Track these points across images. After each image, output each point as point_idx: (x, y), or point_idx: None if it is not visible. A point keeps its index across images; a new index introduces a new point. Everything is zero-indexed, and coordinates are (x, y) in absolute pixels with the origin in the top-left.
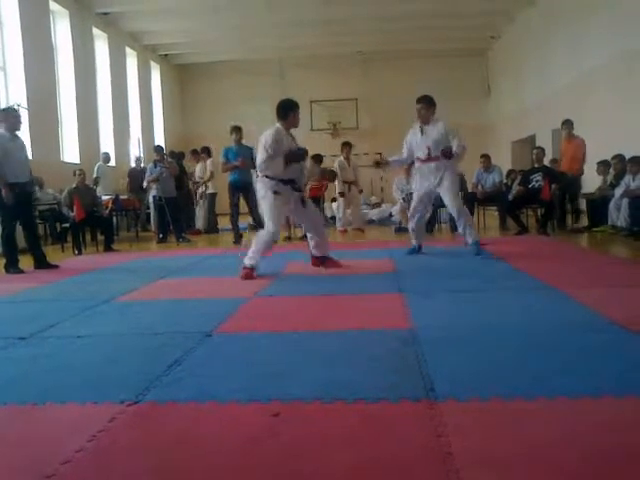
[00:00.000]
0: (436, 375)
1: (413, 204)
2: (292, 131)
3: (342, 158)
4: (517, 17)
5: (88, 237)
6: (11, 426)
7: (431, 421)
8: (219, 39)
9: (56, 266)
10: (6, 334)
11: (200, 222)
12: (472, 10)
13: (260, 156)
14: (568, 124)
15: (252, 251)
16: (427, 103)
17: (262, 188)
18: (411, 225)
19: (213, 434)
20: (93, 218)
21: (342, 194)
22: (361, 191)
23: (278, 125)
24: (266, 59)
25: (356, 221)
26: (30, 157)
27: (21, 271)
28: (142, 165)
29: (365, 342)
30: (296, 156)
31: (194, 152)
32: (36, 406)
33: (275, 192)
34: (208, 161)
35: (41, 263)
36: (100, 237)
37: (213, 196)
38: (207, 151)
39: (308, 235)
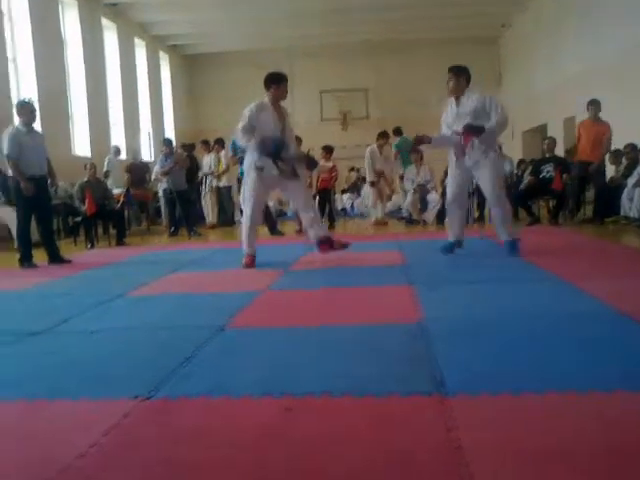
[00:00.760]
0: (446, 369)
1: (450, 190)
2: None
3: (375, 146)
4: (528, 5)
5: (100, 231)
6: (26, 421)
7: (441, 415)
8: (228, 29)
9: (69, 261)
10: (19, 329)
11: (210, 215)
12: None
13: (238, 126)
14: (595, 105)
15: (243, 240)
16: (456, 72)
17: (246, 162)
18: (449, 217)
19: (226, 428)
20: (105, 212)
21: (372, 184)
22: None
23: (264, 99)
24: (275, 49)
25: (380, 213)
26: None
27: (35, 266)
28: (142, 159)
29: (375, 336)
30: (266, 147)
31: (204, 143)
32: (50, 401)
33: (257, 167)
34: (222, 153)
35: (55, 258)
36: (112, 231)
37: (228, 189)
38: (221, 143)
39: (303, 222)
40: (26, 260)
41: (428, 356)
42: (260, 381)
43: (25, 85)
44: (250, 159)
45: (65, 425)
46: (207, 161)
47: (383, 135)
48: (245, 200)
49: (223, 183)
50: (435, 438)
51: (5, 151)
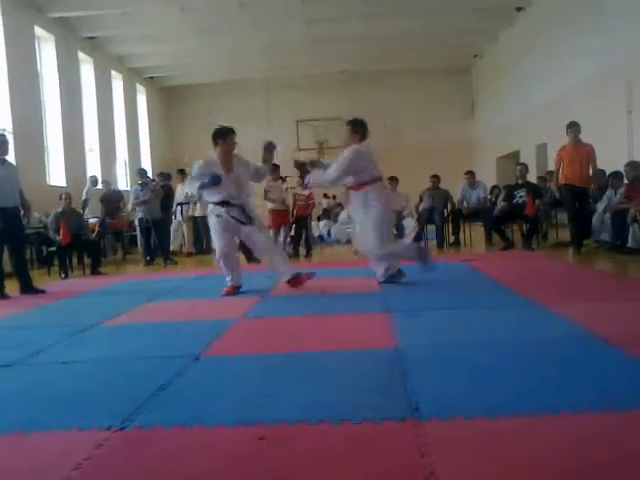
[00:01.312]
0: (421, 394)
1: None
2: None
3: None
4: (499, 36)
5: (75, 260)
6: None
7: (415, 441)
8: (204, 61)
9: (43, 291)
10: None
11: (186, 244)
12: (455, 29)
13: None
14: (575, 127)
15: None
16: (353, 125)
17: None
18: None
19: (200, 459)
20: (80, 242)
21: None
22: None
23: (212, 154)
24: (252, 80)
25: None
26: None
27: (7, 297)
28: (116, 188)
29: (351, 363)
30: (204, 185)
31: (180, 172)
32: (22, 435)
33: (217, 215)
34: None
35: (27, 288)
36: (87, 260)
37: (203, 218)
38: (182, 173)
39: (269, 265)
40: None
41: (403, 382)
42: (234, 410)
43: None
44: (208, 208)
45: (38, 459)
46: (180, 190)
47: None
48: (215, 240)
49: (198, 212)
50: (409, 463)
51: None
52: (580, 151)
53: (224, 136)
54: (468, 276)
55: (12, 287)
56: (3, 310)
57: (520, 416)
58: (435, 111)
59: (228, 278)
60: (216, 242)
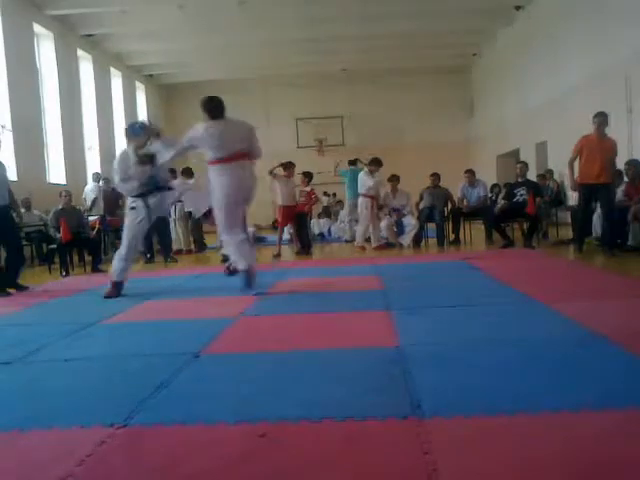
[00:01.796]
0: (422, 392)
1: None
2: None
3: (366, 169)
4: (498, 35)
5: (76, 258)
6: (0, 453)
7: (417, 438)
8: (203, 59)
9: (26, 287)
10: None
11: (183, 242)
12: (454, 29)
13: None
14: (601, 118)
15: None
16: (200, 105)
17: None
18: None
19: (201, 456)
20: (80, 239)
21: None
22: (380, 207)
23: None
24: (250, 78)
25: (376, 238)
26: (16, 178)
27: (8, 294)
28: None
29: (352, 361)
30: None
31: (185, 171)
32: (23, 432)
33: (132, 208)
34: (191, 181)
35: (9, 283)
36: (87, 258)
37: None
38: (189, 172)
39: None
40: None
41: (405, 380)
42: (235, 408)
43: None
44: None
45: (41, 455)
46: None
47: (375, 162)
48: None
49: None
50: (411, 461)
51: None
52: (603, 145)
53: (129, 135)
54: (468, 274)
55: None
56: (1, 308)
57: (521, 414)
58: (435, 110)
59: (115, 278)
60: (125, 241)
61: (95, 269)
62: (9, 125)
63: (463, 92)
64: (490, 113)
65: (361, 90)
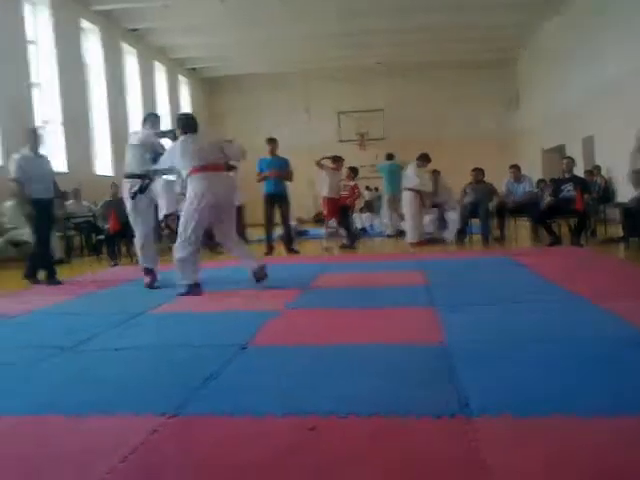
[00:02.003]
0: (470, 390)
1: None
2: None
3: (416, 164)
4: (544, 27)
5: (124, 249)
6: (56, 437)
7: (466, 436)
8: (245, 53)
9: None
10: (46, 345)
11: None
12: (498, 21)
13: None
14: None
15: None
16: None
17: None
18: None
19: (250, 448)
20: (128, 230)
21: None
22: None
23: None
24: (291, 72)
25: (418, 234)
26: (66, 170)
27: (59, 282)
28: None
29: (398, 356)
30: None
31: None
32: (80, 417)
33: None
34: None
35: (30, 275)
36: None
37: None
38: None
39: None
40: (31, 276)
41: (451, 377)
42: (283, 400)
43: (49, 109)
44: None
45: (96, 441)
46: None
47: (422, 157)
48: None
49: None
50: (460, 459)
51: (12, 175)
52: None
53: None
54: (514, 271)
55: (64, 273)
56: (53, 297)
57: (571, 415)
58: (478, 103)
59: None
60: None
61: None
62: (60, 119)
63: (508, 85)
64: (535, 107)
65: (403, 83)
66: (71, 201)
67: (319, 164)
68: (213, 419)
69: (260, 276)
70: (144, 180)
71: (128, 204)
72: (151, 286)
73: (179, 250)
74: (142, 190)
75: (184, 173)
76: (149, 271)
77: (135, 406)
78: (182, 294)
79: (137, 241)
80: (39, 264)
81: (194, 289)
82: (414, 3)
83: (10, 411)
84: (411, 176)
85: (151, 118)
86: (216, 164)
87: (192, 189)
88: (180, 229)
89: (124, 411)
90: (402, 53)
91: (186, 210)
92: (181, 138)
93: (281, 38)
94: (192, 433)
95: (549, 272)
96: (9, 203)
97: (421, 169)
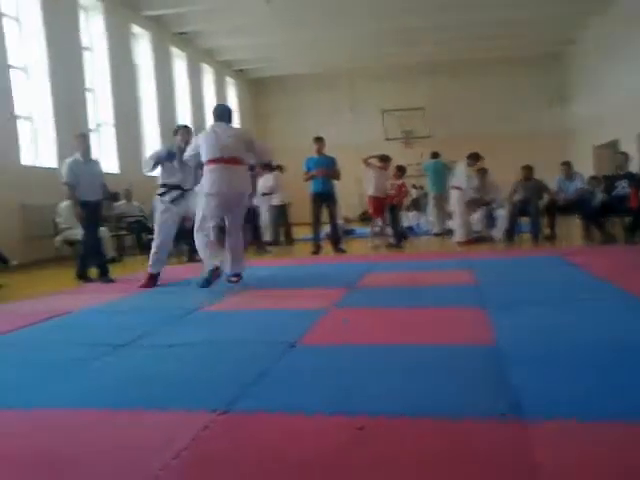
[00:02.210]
0: (522, 393)
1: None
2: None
3: (466, 163)
4: (595, 20)
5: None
6: (111, 430)
7: (517, 440)
8: (291, 53)
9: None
10: (103, 341)
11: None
12: (547, 15)
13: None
14: None
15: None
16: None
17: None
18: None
19: (300, 447)
20: (178, 230)
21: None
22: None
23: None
24: (336, 71)
25: (466, 232)
26: (117, 171)
27: (111, 280)
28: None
29: (447, 357)
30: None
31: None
32: (133, 413)
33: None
34: (270, 174)
35: (81, 275)
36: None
37: (275, 208)
38: (268, 165)
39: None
40: (82, 276)
41: (503, 379)
42: (332, 399)
43: (102, 112)
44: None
45: (149, 436)
46: (262, 182)
47: (473, 156)
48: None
49: (273, 202)
50: (511, 463)
51: (63, 179)
52: None
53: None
54: (566, 271)
55: (116, 271)
56: (106, 295)
57: (625, 420)
58: (526, 99)
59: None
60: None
61: (191, 258)
62: (112, 121)
63: (557, 80)
64: (586, 102)
65: (448, 81)
66: (123, 201)
67: (366, 162)
68: (263, 416)
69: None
70: (175, 191)
71: (156, 212)
72: (146, 287)
73: (196, 239)
74: (173, 201)
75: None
76: (153, 276)
77: (186, 402)
78: (201, 285)
79: (153, 247)
80: (89, 263)
81: (213, 274)
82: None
83: (64, 405)
84: (460, 175)
85: (182, 130)
86: (234, 157)
87: (205, 180)
88: (196, 219)
89: (176, 407)
90: (448, 50)
91: (199, 201)
92: (209, 125)
93: (326, 38)
94: (243, 430)
95: (602, 271)
96: (64, 204)
97: (470, 168)
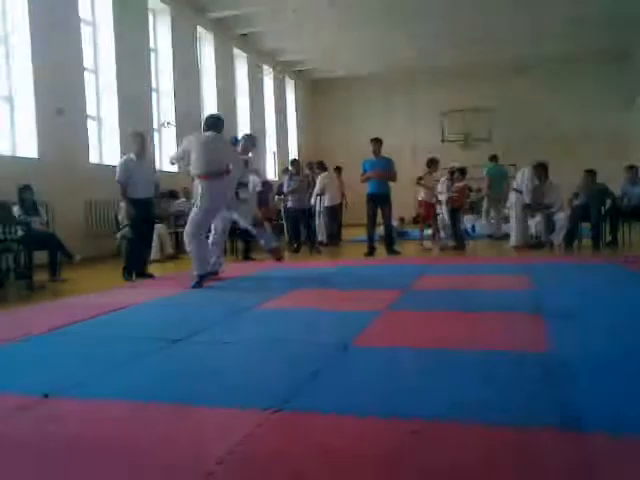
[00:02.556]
0: (582, 405)
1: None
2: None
3: (532, 172)
4: None
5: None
6: (168, 425)
7: (576, 453)
8: (351, 54)
9: (152, 276)
10: (161, 336)
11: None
12: (616, 10)
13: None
14: None
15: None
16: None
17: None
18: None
19: (353, 448)
20: (232, 228)
21: (528, 206)
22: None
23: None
24: (396, 72)
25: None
26: (177, 170)
27: (151, 276)
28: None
29: (502, 363)
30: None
31: (319, 164)
32: (189, 407)
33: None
34: (320, 175)
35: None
36: (239, 245)
37: (326, 209)
38: (321, 165)
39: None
40: (128, 273)
41: (559, 388)
42: (386, 402)
43: (165, 111)
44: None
45: (204, 431)
46: (319, 181)
47: (540, 166)
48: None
49: (325, 203)
50: (565, 474)
51: (116, 177)
52: None
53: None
54: (628, 279)
55: (172, 267)
56: (166, 290)
57: None
58: (590, 101)
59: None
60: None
61: (246, 257)
62: (173, 121)
63: (623, 82)
64: None
65: (508, 82)
66: (182, 199)
67: (419, 183)
68: (317, 416)
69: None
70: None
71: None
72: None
73: (193, 245)
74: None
75: (193, 171)
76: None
77: (240, 399)
78: (193, 286)
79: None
80: (135, 261)
81: (201, 280)
82: None
83: (120, 397)
84: (522, 179)
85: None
86: (219, 171)
87: (199, 190)
88: (192, 223)
89: (230, 403)
90: (511, 50)
91: (194, 207)
92: (203, 134)
93: (387, 39)
94: (295, 429)
95: None
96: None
97: (534, 177)
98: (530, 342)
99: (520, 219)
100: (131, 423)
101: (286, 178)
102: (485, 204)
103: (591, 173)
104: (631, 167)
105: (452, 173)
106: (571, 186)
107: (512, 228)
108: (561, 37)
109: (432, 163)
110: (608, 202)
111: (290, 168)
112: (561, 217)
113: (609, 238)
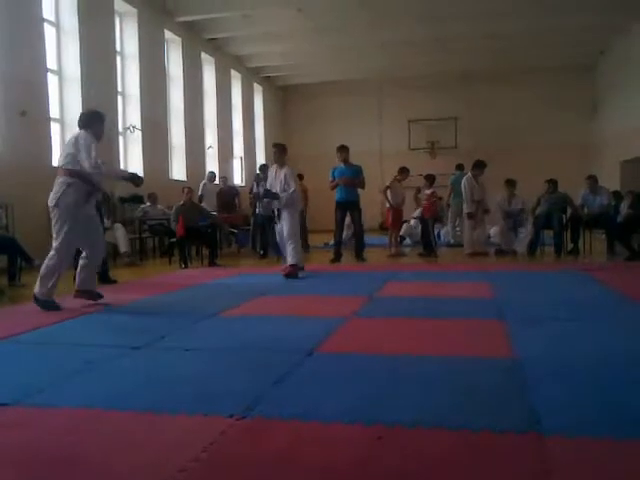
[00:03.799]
0: (542, 408)
1: None
2: None
3: (470, 175)
4: (629, 31)
5: (194, 251)
6: (130, 432)
7: (537, 456)
8: (320, 61)
9: (115, 281)
10: (120, 343)
11: None
12: (580, 25)
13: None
14: None
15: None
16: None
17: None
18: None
19: (318, 454)
20: (197, 233)
21: (471, 215)
22: (487, 211)
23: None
24: (365, 79)
25: (480, 244)
26: (142, 174)
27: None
28: (229, 184)
29: (464, 369)
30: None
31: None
32: (153, 414)
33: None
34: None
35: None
36: (205, 252)
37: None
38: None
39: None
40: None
41: (522, 393)
42: (350, 408)
43: (131, 115)
44: None
45: (167, 439)
46: None
47: (479, 165)
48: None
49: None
50: (530, 478)
51: None
52: None
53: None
54: (588, 286)
55: (134, 273)
56: (125, 296)
57: None
58: (554, 111)
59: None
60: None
61: (212, 263)
62: (139, 125)
63: (585, 92)
64: (616, 115)
65: (475, 91)
66: (148, 204)
67: (384, 192)
68: (281, 423)
69: None
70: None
71: None
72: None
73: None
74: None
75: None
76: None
77: (204, 406)
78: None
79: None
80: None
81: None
82: (491, 8)
83: (78, 404)
84: (461, 186)
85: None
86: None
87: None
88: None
89: (193, 410)
90: (480, 60)
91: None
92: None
93: (358, 46)
94: (260, 436)
95: (627, 288)
96: None
97: (478, 178)
98: (494, 348)
99: (467, 227)
100: (90, 431)
101: (254, 184)
102: (450, 213)
103: (551, 183)
104: (591, 177)
105: (428, 178)
106: (537, 195)
107: (464, 235)
108: (530, 48)
109: (402, 172)
110: (569, 210)
111: (259, 173)
112: (524, 226)
113: (571, 246)
